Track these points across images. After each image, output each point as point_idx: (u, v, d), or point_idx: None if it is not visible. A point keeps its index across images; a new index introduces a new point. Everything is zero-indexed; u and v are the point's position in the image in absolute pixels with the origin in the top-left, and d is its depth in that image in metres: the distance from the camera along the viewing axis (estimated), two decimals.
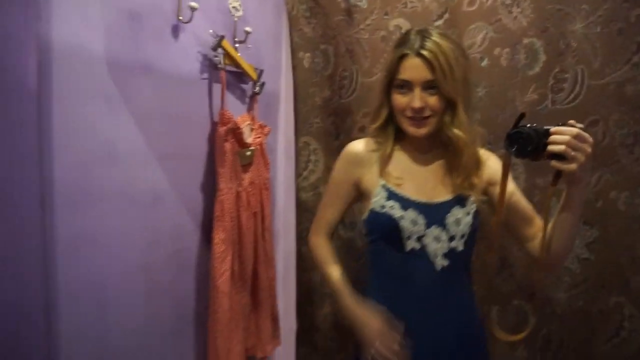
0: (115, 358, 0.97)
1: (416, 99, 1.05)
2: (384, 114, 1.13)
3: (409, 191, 1.12)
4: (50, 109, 0.78)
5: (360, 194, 1.20)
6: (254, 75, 1.39)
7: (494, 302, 1.49)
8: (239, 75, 1.37)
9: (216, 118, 1.25)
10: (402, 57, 1.05)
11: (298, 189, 1.69)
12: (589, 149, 0.90)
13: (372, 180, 1.16)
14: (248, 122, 1.41)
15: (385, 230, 1.11)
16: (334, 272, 1.25)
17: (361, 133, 1.57)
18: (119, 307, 0.98)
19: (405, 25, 1.50)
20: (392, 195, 1.11)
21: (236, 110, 1.34)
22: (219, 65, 1.20)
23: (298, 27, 1.62)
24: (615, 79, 1.32)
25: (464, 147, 1.07)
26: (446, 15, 1.47)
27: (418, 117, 1.07)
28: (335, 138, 1.64)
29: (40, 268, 0.79)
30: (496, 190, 1.09)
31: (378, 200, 1.12)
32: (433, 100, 1.05)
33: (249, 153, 1.38)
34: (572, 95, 1.37)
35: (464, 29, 1.44)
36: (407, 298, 1.11)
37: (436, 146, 1.14)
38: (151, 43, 1.01)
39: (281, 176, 1.70)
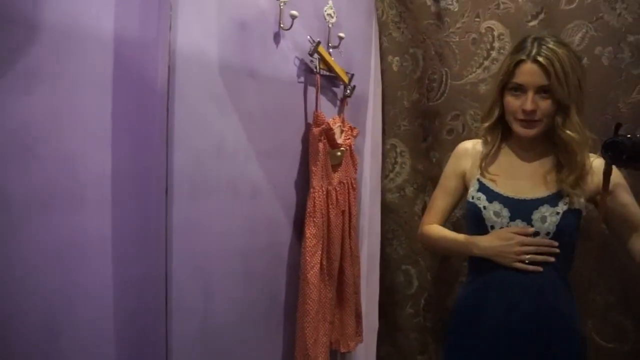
0: (216, 332, 1.07)
1: (529, 101, 1.09)
2: (495, 113, 1.18)
3: (501, 186, 1.18)
4: (173, 108, 0.89)
5: (464, 191, 1.29)
6: (345, 78, 1.45)
7: (590, 315, 1.42)
8: (331, 79, 1.44)
9: (310, 119, 1.32)
10: (519, 62, 1.10)
11: (384, 190, 1.72)
12: None
13: (473, 174, 1.25)
14: (339, 124, 1.47)
15: (472, 219, 1.21)
16: (447, 232, 1.31)
17: (449, 136, 1.58)
18: (221, 288, 1.08)
19: (497, 27, 1.49)
20: (482, 188, 1.20)
21: (328, 112, 1.41)
22: (315, 70, 1.28)
23: (387, 32, 1.66)
24: None
25: (576, 148, 1.10)
26: (541, 16, 1.44)
27: (528, 119, 1.11)
28: (423, 140, 1.66)
29: (162, 249, 0.90)
30: (610, 199, 1.10)
31: (471, 192, 1.22)
32: (545, 104, 1.10)
33: (339, 153, 1.44)
34: None
35: (561, 28, 1.40)
36: (491, 287, 1.17)
37: (542, 147, 1.18)
38: (256, 49, 1.10)
39: (367, 177, 1.74)
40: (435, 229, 1.33)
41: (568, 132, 1.09)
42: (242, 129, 1.09)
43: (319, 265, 1.33)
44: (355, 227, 1.56)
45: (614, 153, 0.92)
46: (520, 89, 1.11)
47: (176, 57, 0.88)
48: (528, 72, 1.09)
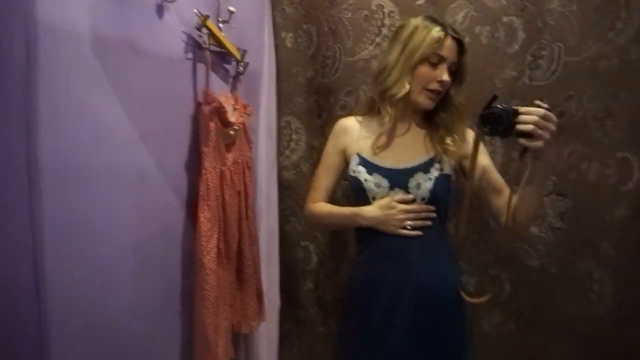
0: (104, 329, 0.98)
1: (446, 73, 1.18)
2: (408, 85, 1.20)
3: (379, 158, 1.25)
4: (37, 86, 0.77)
5: (345, 166, 1.33)
6: (237, 55, 1.38)
7: (471, 273, 1.55)
8: (223, 56, 1.36)
9: (200, 97, 1.24)
10: (441, 37, 1.17)
11: (280, 168, 1.70)
12: (554, 128, 0.98)
13: (352, 149, 1.30)
14: (232, 102, 1.41)
15: (355, 192, 1.27)
16: (334, 207, 1.35)
17: (343, 111, 1.59)
18: (110, 285, 0.99)
19: (387, 4, 1.52)
20: (362, 161, 1.26)
21: (220, 90, 1.34)
22: (204, 45, 1.20)
23: (280, 7, 1.61)
24: (591, 55, 1.36)
25: (464, 116, 1.22)
26: None
27: (437, 90, 1.19)
28: (318, 117, 1.66)
29: (30, 247, 0.79)
30: (469, 162, 1.21)
31: (352, 166, 1.27)
32: (450, 78, 1.21)
33: (232, 132, 1.38)
34: (548, 72, 1.41)
35: (446, 7, 1.47)
36: (378, 255, 1.24)
37: (416, 117, 1.29)
38: (136, 21, 1.00)
39: (263, 155, 1.70)
40: (320, 206, 1.36)
41: (460, 100, 1.23)
42: (124, 109, 0.99)
43: (215, 250, 1.29)
44: (252, 207, 1.53)
45: (491, 125, 1.00)
46: (439, 62, 1.18)
47: (38, 30, 0.76)
48: (449, 47, 1.18)
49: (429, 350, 1.23)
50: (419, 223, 1.20)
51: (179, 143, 1.22)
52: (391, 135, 1.27)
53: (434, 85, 1.19)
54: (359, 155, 1.27)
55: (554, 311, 1.50)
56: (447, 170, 1.22)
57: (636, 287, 1.41)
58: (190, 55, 1.20)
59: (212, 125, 1.24)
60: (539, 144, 0.97)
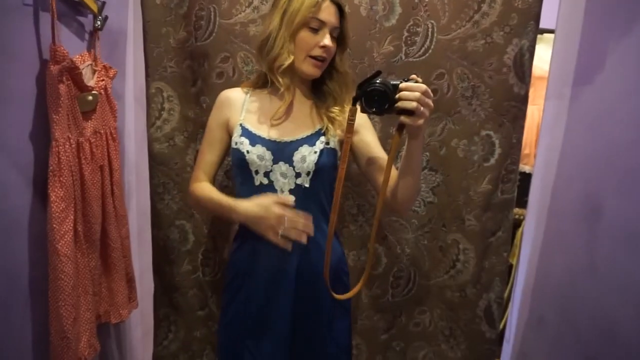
0: None
1: (327, 38, 1.13)
2: (291, 53, 1.14)
3: (263, 130, 1.19)
4: None
5: (228, 140, 1.24)
6: (93, 6, 1.20)
7: (351, 247, 1.57)
8: (75, 6, 1.17)
9: (47, 55, 1.06)
10: (318, 1, 1.11)
11: (151, 140, 1.54)
12: (432, 105, 0.98)
13: (235, 120, 1.22)
14: (89, 63, 1.23)
15: (237, 165, 1.19)
16: (215, 193, 1.22)
17: (219, 79, 1.48)
18: None
19: None
20: (245, 133, 1.18)
21: (74, 48, 1.15)
22: None
23: None
24: (459, 35, 1.42)
25: (349, 84, 1.18)
26: None
27: (322, 57, 1.14)
28: (192, 85, 1.52)
29: None
30: (355, 139, 1.20)
31: (235, 138, 1.19)
32: (334, 44, 1.16)
33: (90, 98, 1.21)
34: (422, 49, 1.44)
35: None
36: (259, 238, 1.12)
37: (303, 89, 1.23)
38: None
39: (131, 126, 1.54)
40: (203, 188, 1.24)
41: (346, 68, 1.20)
42: None
43: (71, 233, 1.13)
44: (119, 184, 1.37)
45: (377, 103, 0.96)
46: (319, 27, 1.13)
47: None
48: (328, 11, 1.13)
49: (311, 335, 1.22)
50: (293, 236, 1.07)
51: (21, 109, 1.03)
52: (273, 107, 1.20)
53: (317, 52, 1.14)
54: (242, 126, 1.19)
55: (426, 281, 1.59)
56: (333, 143, 1.18)
57: (493, 254, 1.55)
58: (29, 1, 1.00)
59: (62, 87, 1.06)
60: (420, 121, 0.96)
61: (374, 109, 0.98)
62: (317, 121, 1.20)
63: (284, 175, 1.16)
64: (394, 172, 1.13)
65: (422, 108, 0.95)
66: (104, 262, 1.37)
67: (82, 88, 1.17)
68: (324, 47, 1.13)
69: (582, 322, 1.13)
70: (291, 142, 1.17)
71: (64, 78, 1.07)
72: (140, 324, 1.76)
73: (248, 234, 1.17)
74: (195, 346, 1.67)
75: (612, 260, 1.03)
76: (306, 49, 1.13)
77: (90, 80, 1.23)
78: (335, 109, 1.19)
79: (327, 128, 1.18)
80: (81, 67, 1.14)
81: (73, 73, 1.10)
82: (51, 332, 1.15)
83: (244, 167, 1.17)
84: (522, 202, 1.70)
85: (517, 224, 2.19)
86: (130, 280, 1.49)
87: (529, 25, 1.40)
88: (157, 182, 1.57)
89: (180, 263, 1.61)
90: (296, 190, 1.17)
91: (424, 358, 1.63)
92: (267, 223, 1.08)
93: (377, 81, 0.97)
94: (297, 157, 1.15)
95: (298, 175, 1.16)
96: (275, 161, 1.15)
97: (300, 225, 1.07)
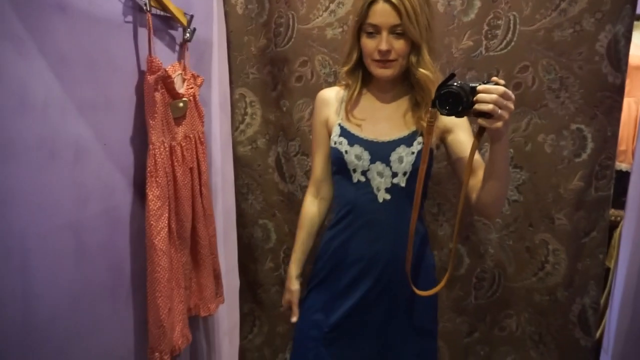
0: (44, 324, 0.91)
1: (383, 42, 1.10)
2: (354, 57, 1.19)
3: (361, 130, 1.20)
4: None
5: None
6: (183, 20, 1.29)
7: (432, 247, 1.54)
8: (167, 20, 1.27)
9: (144, 66, 1.15)
10: (371, 3, 1.10)
11: (235, 143, 1.63)
12: (512, 107, 0.93)
13: (334, 120, 1.25)
14: (179, 72, 1.32)
15: (336, 163, 1.22)
16: (298, 240, 1.37)
17: (298, 83, 1.53)
18: (46, 269, 0.91)
19: None
20: (343, 132, 1.21)
21: (166, 59, 1.25)
22: (144, 7, 1.10)
23: None
24: (545, 25, 1.35)
25: (430, 86, 1.13)
26: None
27: (384, 59, 1.12)
28: (273, 89, 1.59)
29: None
30: (449, 137, 1.18)
31: (333, 137, 1.22)
32: (399, 44, 1.12)
33: (181, 105, 1.30)
34: (504, 42, 1.39)
35: None
36: (354, 226, 1.20)
37: (400, 88, 1.22)
38: None
39: (217, 130, 1.63)
40: (300, 216, 1.36)
41: (422, 70, 1.13)
42: (54, 75, 0.90)
43: (166, 229, 1.21)
44: (206, 185, 1.45)
45: (449, 104, 0.95)
46: (375, 30, 1.12)
47: None
48: (380, 12, 1.09)
49: (396, 323, 1.22)
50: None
51: (122, 116, 1.13)
52: (369, 109, 1.22)
53: (376, 56, 1.12)
54: (340, 125, 1.22)
55: (511, 283, 1.52)
56: (431, 144, 1.16)
57: (587, 256, 1.45)
58: (130, 18, 1.10)
59: (157, 96, 1.15)
60: (498, 124, 0.92)
61: (447, 111, 0.96)
62: (412, 123, 1.19)
63: (380, 174, 1.18)
64: (480, 176, 1.09)
65: (499, 110, 0.91)
66: (194, 258, 1.46)
67: (174, 95, 1.26)
68: (380, 51, 1.11)
69: None
70: (388, 142, 1.18)
71: (159, 86, 1.16)
72: (226, 318, 1.84)
73: (340, 228, 1.22)
74: (278, 341, 1.73)
75: None
76: (369, 54, 1.14)
77: (180, 88, 1.33)
78: (421, 113, 1.17)
79: (422, 130, 1.17)
80: (173, 76, 1.24)
81: (166, 82, 1.19)
82: (149, 321, 1.25)
83: (342, 166, 1.20)
84: (619, 202, 1.58)
85: (614, 225, 2.02)
86: (217, 276, 1.57)
87: (625, 10, 1.30)
88: (241, 183, 1.65)
89: (264, 260, 1.68)
90: (392, 189, 1.18)
91: None
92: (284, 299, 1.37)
93: (454, 84, 0.94)
94: (394, 157, 1.17)
95: (395, 175, 1.17)
96: (372, 161, 1.17)
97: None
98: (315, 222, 1.35)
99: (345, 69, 1.20)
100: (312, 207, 1.33)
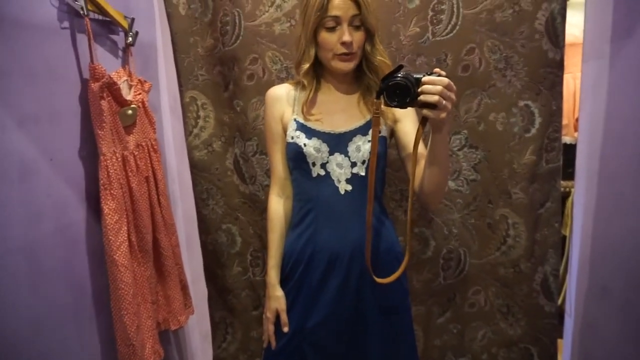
0: (6, 354, 0.84)
1: (346, 33, 1.11)
2: (312, 54, 1.18)
3: (317, 123, 1.20)
4: None
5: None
6: (124, 23, 1.24)
7: (397, 234, 1.55)
8: (107, 25, 1.21)
9: (87, 74, 1.10)
10: None
11: (190, 148, 1.58)
12: (454, 98, 0.97)
13: (289, 116, 1.24)
14: (125, 78, 1.27)
15: (294, 158, 1.21)
16: (270, 244, 1.30)
17: (250, 81, 1.50)
18: (0, 296, 0.84)
19: None
20: (300, 127, 1.20)
21: (110, 65, 1.20)
22: (82, 12, 1.04)
23: None
24: (486, 7, 1.39)
25: (385, 72, 1.12)
26: None
27: (347, 52, 1.13)
28: (225, 90, 1.55)
29: None
30: (397, 127, 1.21)
31: (289, 132, 1.21)
32: (358, 35, 1.14)
33: (130, 112, 1.25)
34: (450, 26, 1.42)
35: None
36: (319, 220, 1.20)
37: (353, 79, 1.23)
38: None
39: (170, 136, 1.57)
40: (268, 218, 1.31)
41: (379, 57, 1.16)
42: None
43: (126, 243, 1.16)
44: (164, 193, 1.40)
45: (400, 97, 0.97)
46: (335, 22, 1.12)
47: None
48: (340, 4, 1.11)
49: (369, 314, 1.22)
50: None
51: (68, 127, 1.07)
52: (324, 101, 1.23)
53: (340, 49, 1.14)
54: (296, 120, 1.22)
55: (477, 260, 1.56)
56: (384, 132, 1.20)
57: (544, 226, 1.51)
58: (66, 24, 1.04)
59: (104, 104, 1.10)
60: (442, 115, 0.95)
61: (396, 103, 0.98)
62: (367, 112, 1.21)
63: (340, 165, 1.18)
64: (422, 165, 1.12)
65: (444, 102, 0.94)
66: (158, 270, 1.41)
67: (122, 103, 1.20)
68: (344, 43, 1.12)
69: None
70: (345, 133, 1.19)
71: (105, 94, 1.10)
72: (197, 328, 1.79)
73: (304, 225, 1.21)
74: (253, 346, 1.70)
75: None
76: (330, 49, 1.14)
77: (127, 95, 1.27)
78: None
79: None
80: (118, 82, 1.18)
81: (112, 89, 1.13)
82: (117, 341, 1.19)
83: (301, 160, 1.19)
84: (566, 173, 1.65)
85: (565, 196, 2.12)
86: (184, 287, 1.52)
87: None
88: (200, 188, 1.60)
89: (231, 265, 1.64)
90: (352, 180, 1.18)
91: (483, 338, 1.60)
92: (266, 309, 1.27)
93: (399, 75, 0.96)
94: (351, 147, 1.18)
95: (354, 164, 1.18)
96: (331, 152, 1.18)
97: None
98: (285, 222, 1.32)
99: (305, 67, 1.18)
100: (279, 208, 1.30)
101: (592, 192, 1.44)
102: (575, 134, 2.30)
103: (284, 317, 1.23)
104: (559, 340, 1.61)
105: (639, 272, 1.17)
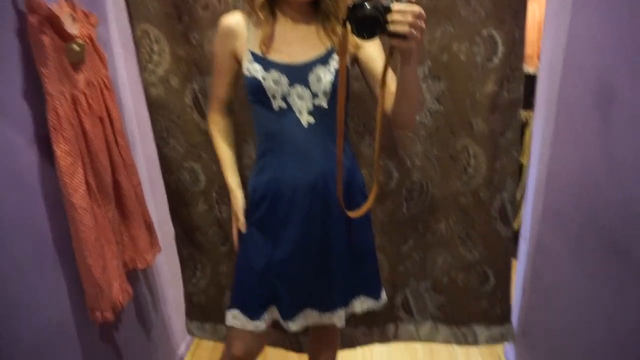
0: None
1: None
2: None
3: (274, 54, 1.17)
4: None
5: (239, 63, 1.24)
6: None
7: (361, 166, 1.57)
8: None
9: (22, 5, 1.01)
10: None
11: (146, 85, 1.51)
12: (424, 26, 0.92)
13: (244, 48, 1.19)
14: (68, 10, 1.18)
15: (253, 91, 1.18)
16: (221, 152, 1.34)
17: (206, 11, 1.42)
18: None
19: None
20: (256, 59, 1.16)
21: None
22: None
23: None
24: None
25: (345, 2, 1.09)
26: None
27: None
28: (179, 22, 1.46)
29: None
30: (360, 54, 1.19)
31: (246, 65, 1.17)
32: None
33: (77, 48, 1.17)
34: None
35: None
36: (282, 153, 1.20)
37: (309, 8, 1.18)
38: None
39: (123, 73, 1.49)
40: (213, 134, 1.33)
41: None
42: None
43: (84, 186, 1.14)
44: (121, 133, 1.36)
45: (369, 28, 0.91)
46: None
47: None
48: None
49: (335, 244, 1.26)
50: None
51: (8, 67, 1.00)
52: (281, 32, 1.18)
53: None
54: (252, 53, 1.17)
55: (439, 190, 1.60)
56: (347, 61, 1.16)
57: (503, 155, 1.55)
58: None
59: (45, 39, 1.02)
60: (412, 45, 0.92)
61: (365, 36, 0.92)
62: (327, 41, 1.17)
63: (300, 97, 1.16)
64: (393, 89, 1.10)
65: (414, 32, 0.90)
66: (121, 212, 1.39)
67: (66, 38, 1.12)
68: None
69: (601, 209, 1.14)
70: (305, 63, 1.16)
71: (45, 29, 1.02)
72: (167, 266, 1.82)
73: (267, 159, 1.21)
74: (224, 280, 1.74)
75: (629, 143, 1.02)
76: None
77: (72, 30, 1.18)
78: (340, 28, 1.14)
79: (337, 48, 1.15)
80: (60, 15, 1.10)
81: (54, 23, 1.05)
82: (84, 283, 1.20)
83: (261, 94, 1.16)
84: (528, 103, 1.67)
85: (525, 125, 2.17)
86: (149, 227, 1.52)
87: None
88: (160, 127, 1.56)
89: (196, 204, 1.64)
90: (315, 112, 1.17)
91: (443, 263, 1.69)
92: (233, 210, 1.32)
93: (367, 5, 0.90)
94: (312, 78, 1.15)
95: (315, 95, 1.16)
96: (291, 84, 1.15)
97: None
98: (230, 131, 1.35)
99: (261, 1, 1.13)
100: (220, 120, 1.33)
101: (550, 121, 1.47)
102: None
103: (241, 218, 1.28)
104: (513, 261, 1.71)
105: (587, 197, 1.23)
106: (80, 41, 1.17)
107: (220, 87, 1.29)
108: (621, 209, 1.06)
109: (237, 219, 1.30)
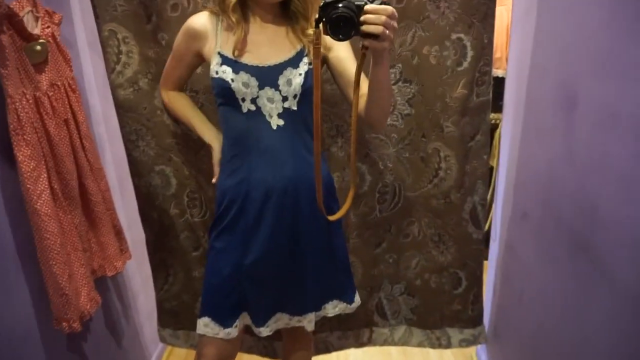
0: None
1: None
2: None
3: (243, 56, 1.16)
4: None
5: (202, 62, 1.27)
6: None
7: (333, 169, 1.57)
8: None
9: None
10: None
11: (114, 87, 1.47)
12: (396, 25, 0.94)
13: (211, 51, 1.18)
14: (29, 9, 1.14)
15: (221, 94, 1.17)
16: (186, 108, 1.37)
17: (174, 12, 1.40)
18: None
19: None
20: (225, 61, 1.15)
21: None
22: None
23: None
24: None
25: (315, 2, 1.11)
26: None
27: None
28: (147, 22, 1.43)
29: None
30: (330, 55, 1.19)
31: (213, 67, 1.16)
32: None
33: (39, 47, 1.13)
34: None
35: None
36: (252, 156, 1.18)
37: (278, 10, 1.18)
38: None
39: (90, 74, 1.46)
40: (178, 102, 1.36)
41: None
42: None
43: (48, 191, 1.10)
44: (87, 136, 1.32)
45: (344, 30, 0.92)
46: None
47: None
48: None
49: (311, 251, 1.25)
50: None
51: None
52: (251, 34, 1.17)
53: None
54: (220, 54, 1.16)
55: (411, 192, 1.61)
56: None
57: (474, 158, 1.57)
58: None
59: (4, 39, 0.99)
60: (385, 45, 0.94)
61: (340, 36, 0.93)
62: (297, 42, 1.17)
63: (270, 100, 1.15)
64: (365, 89, 1.11)
65: (387, 32, 0.92)
66: (88, 217, 1.36)
67: (27, 38, 1.09)
68: None
69: (566, 209, 1.17)
70: (275, 65, 1.15)
71: (4, 28, 0.99)
72: (137, 273, 1.78)
73: (237, 162, 1.19)
74: (197, 286, 1.71)
75: (590, 143, 1.05)
76: None
77: (34, 29, 1.15)
78: (310, 30, 1.15)
79: (308, 49, 1.16)
80: (21, 14, 1.06)
81: (13, 21, 1.02)
82: (49, 292, 1.16)
83: (230, 96, 1.15)
84: (497, 106, 1.70)
85: (494, 128, 2.21)
86: (118, 232, 1.48)
87: None
88: (129, 129, 1.52)
89: (167, 208, 1.61)
90: (284, 114, 1.17)
91: (416, 265, 1.70)
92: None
93: (340, 5, 0.90)
94: (282, 80, 1.15)
95: (285, 99, 1.16)
96: (260, 87, 1.14)
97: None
98: (187, 97, 1.39)
99: (232, 2, 1.12)
100: (175, 93, 1.37)
101: (517, 124, 1.50)
102: None
103: (216, 170, 1.29)
104: (485, 262, 1.74)
105: (552, 197, 1.26)
106: (42, 40, 1.14)
107: (175, 75, 1.32)
108: (583, 208, 1.08)
109: (214, 173, 1.30)
